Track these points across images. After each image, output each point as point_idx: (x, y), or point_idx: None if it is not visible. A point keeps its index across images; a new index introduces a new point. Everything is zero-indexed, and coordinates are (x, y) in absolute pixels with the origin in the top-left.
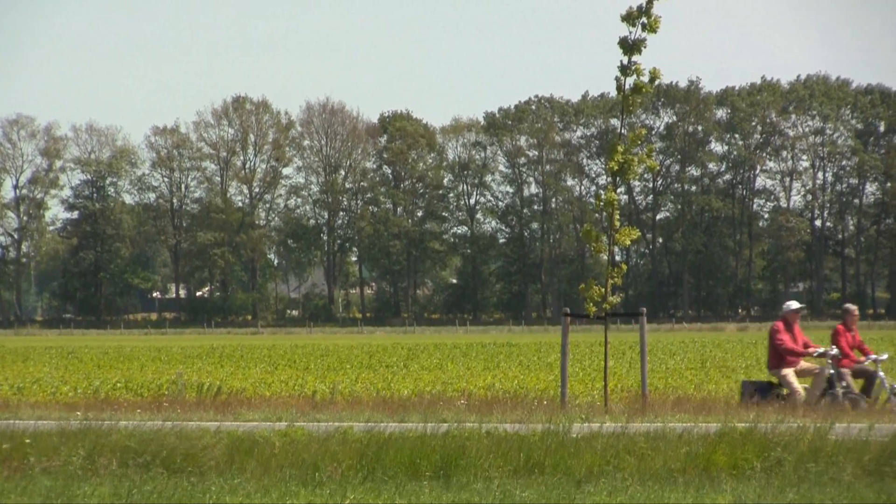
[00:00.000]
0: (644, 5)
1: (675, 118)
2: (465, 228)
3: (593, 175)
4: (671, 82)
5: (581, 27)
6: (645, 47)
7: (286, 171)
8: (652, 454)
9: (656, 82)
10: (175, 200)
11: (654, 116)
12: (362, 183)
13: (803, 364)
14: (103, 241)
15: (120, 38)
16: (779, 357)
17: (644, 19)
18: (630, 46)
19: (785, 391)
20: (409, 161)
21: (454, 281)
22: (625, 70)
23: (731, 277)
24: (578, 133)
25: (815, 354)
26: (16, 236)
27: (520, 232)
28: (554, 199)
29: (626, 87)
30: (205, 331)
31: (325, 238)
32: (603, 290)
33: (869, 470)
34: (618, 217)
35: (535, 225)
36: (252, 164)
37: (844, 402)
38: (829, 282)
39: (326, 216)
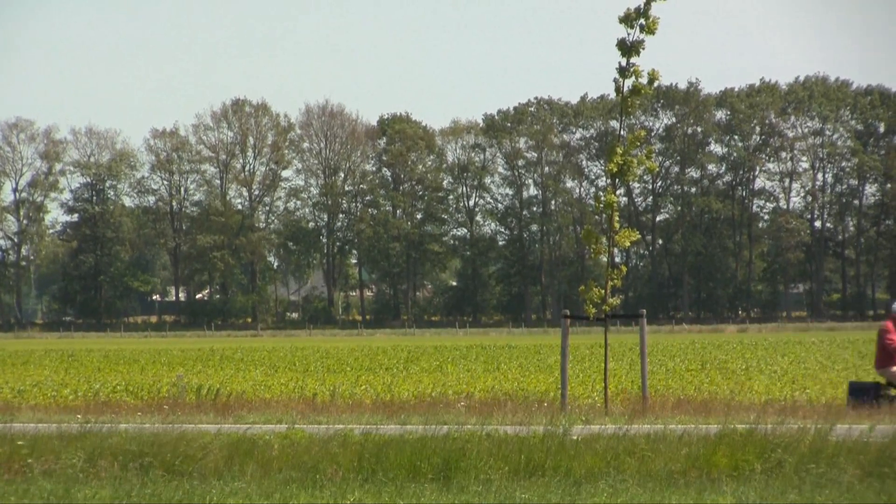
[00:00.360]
0: (642, 7)
1: (674, 120)
2: (465, 230)
3: (593, 177)
4: (670, 84)
5: (580, 28)
6: (643, 48)
7: (285, 173)
8: (652, 456)
9: (655, 84)
10: (174, 203)
11: (653, 118)
12: (362, 185)
13: None
14: (103, 244)
15: (119, 40)
16: (887, 356)
17: (642, 21)
18: (628, 48)
19: (893, 391)
20: (408, 163)
21: (454, 283)
22: (623, 72)
23: (731, 279)
24: (578, 135)
25: None
26: (16, 240)
27: (519, 234)
28: (553, 201)
29: (625, 88)
30: (205, 333)
31: (324, 240)
32: (603, 291)
33: (869, 471)
34: (617, 219)
35: (534, 227)
36: (251, 166)
37: None
38: (830, 283)
39: (326, 218)
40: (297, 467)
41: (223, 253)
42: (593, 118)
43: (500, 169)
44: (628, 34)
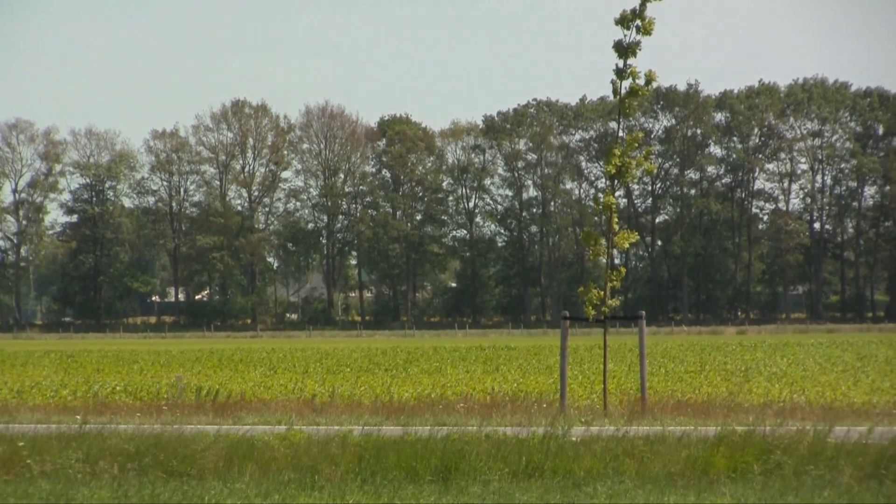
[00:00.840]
0: (637, 8)
1: (673, 121)
2: (464, 232)
3: (592, 178)
4: (670, 86)
5: (580, 30)
6: (640, 49)
7: (285, 174)
8: (651, 457)
9: (652, 84)
10: (174, 204)
11: (652, 120)
12: (361, 186)
13: None
14: (102, 244)
15: (119, 41)
16: None
17: (638, 22)
18: (625, 49)
19: None
20: (408, 165)
21: (453, 284)
22: (620, 73)
23: (731, 280)
24: (577, 136)
25: None
26: (15, 240)
27: (519, 235)
28: (553, 203)
29: (623, 90)
30: (204, 334)
31: (324, 241)
32: (602, 293)
33: (868, 473)
34: (616, 220)
35: (534, 228)
36: (251, 167)
37: None
38: (829, 285)
39: (326, 220)
40: (296, 468)
41: (223, 254)
42: (593, 120)
43: (500, 170)
44: (625, 35)
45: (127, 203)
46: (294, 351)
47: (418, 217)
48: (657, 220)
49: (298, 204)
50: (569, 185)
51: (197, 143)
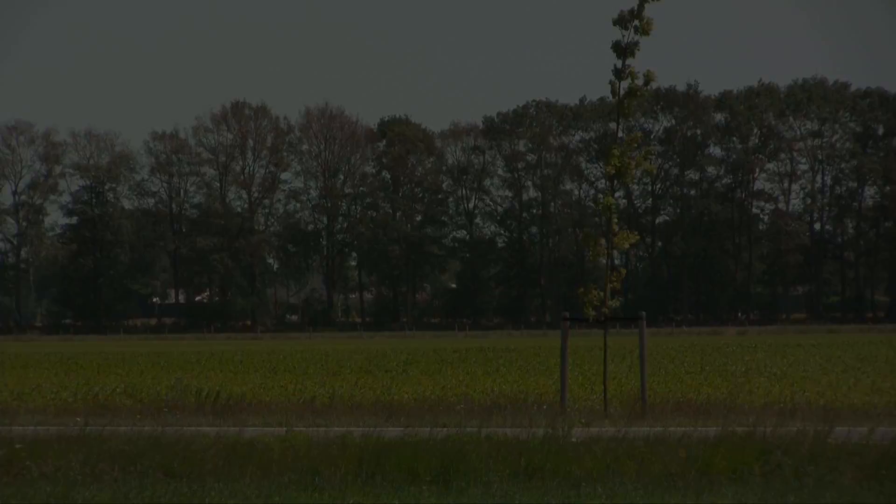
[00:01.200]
0: (636, 8)
1: (673, 122)
2: (464, 233)
3: (592, 179)
4: (670, 86)
5: (580, 31)
6: (638, 50)
7: (285, 175)
8: (651, 458)
9: (651, 85)
10: (174, 206)
11: (652, 120)
12: (361, 188)
13: None
14: (102, 246)
15: (118, 41)
16: None
17: (636, 22)
18: (623, 49)
19: None
20: (407, 166)
21: (453, 285)
22: (619, 73)
23: (731, 281)
24: (577, 137)
25: None
26: (15, 242)
27: (519, 236)
28: (553, 203)
29: (621, 90)
30: (204, 336)
31: (324, 243)
32: (602, 294)
33: (869, 474)
34: (616, 221)
35: (533, 229)
36: (251, 169)
37: None
38: (829, 285)
39: (325, 221)
40: (296, 470)
41: (222, 255)
42: (592, 120)
43: (500, 171)
44: (623, 36)
45: (127, 205)
46: (294, 352)
47: (418, 218)
48: (657, 221)
49: (298, 205)
50: (569, 186)
51: (197, 145)
